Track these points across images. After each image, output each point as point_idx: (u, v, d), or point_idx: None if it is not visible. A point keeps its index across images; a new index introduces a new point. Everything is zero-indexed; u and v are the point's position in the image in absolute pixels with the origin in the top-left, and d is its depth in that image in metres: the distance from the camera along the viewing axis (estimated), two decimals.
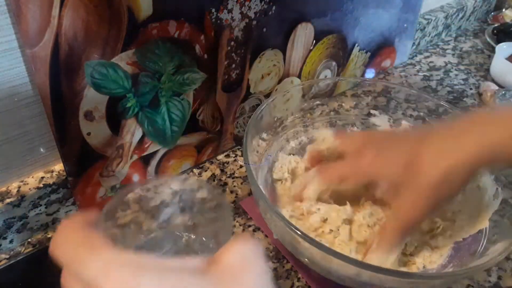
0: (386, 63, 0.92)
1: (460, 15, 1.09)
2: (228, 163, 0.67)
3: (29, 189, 0.52)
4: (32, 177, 0.53)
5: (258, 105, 0.68)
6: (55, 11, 0.41)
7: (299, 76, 0.73)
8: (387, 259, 0.46)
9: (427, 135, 0.46)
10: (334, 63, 0.78)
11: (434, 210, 0.44)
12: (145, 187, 0.43)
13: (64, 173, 0.53)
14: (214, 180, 0.64)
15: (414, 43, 0.98)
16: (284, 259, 0.54)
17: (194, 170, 0.66)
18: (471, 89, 0.90)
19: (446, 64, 0.98)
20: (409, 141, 0.47)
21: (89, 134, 0.50)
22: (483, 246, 0.47)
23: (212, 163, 0.67)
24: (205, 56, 0.56)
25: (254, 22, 0.59)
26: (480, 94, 0.87)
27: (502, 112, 0.45)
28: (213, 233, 0.46)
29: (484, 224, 0.49)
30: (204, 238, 0.46)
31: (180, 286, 0.22)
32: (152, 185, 0.44)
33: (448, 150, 0.42)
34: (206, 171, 0.66)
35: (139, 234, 0.45)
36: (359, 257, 0.48)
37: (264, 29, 0.61)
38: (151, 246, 0.46)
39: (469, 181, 0.44)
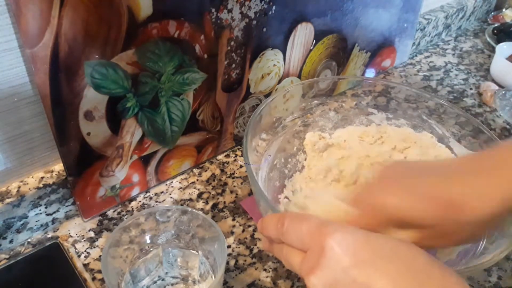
0: (386, 63, 0.92)
1: (460, 15, 1.09)
2: (228, 163, 0.67)
3: (29, 189, 0.52)
4: (32, 177, 0.53)
5: (258, 105, 0.68)
6: (55, 11, 0.41)
7: (299, 76, 0.73)
8: None
9: (459, 171, 0.38)
10: (334, 63, 0.78)
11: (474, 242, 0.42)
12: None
13: (64, 173, 0.53)
14: (214, 180, 0.64)
15: (414, 43, 0.98)
16: None
17: (194, 170, 0.66)
18: (471, 89, 0.90)
19: (446, 64, 0.98)
20: (436, 177, 0.38)
21: (89, 134, 0.50)
22: (483, 245, 0.47)
23: (212, 163, 0.67)
24: (205, 56, 0.56)
25: (254, 22, 0.59)
26: (480, 94, 0.87)
27: None
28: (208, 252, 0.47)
29: None
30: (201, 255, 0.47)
31: None
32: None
33: (489, 190, 0.36)
34: (206, 171, 0.66)
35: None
36: None
37: (264, 29, 0.61)
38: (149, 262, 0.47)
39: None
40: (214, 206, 0.60)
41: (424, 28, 0.98)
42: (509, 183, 0.35)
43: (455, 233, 0.36)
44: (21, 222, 0.53)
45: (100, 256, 0.53)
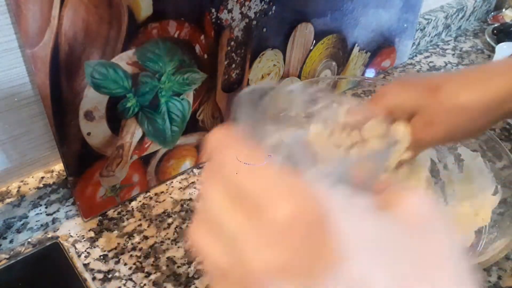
0: (386, 63, 0.92)
1: (460, 15, 1.09)
2: None
3: (29, 189, 0.52)
4: (32, 177, 0.53)
5: None
6: (55, 11, 0.42)
7: (299, 76, 0.73)
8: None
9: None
10: (334, 63, 0.78)
11: (454, 135, 0.43)
12: None
13: (64, 173, 0.53)
14: None
15: (414, 43, 0.98)
16: None
17: (194, 170, 0.66)
18: None
19: (446, 64, 0.98)
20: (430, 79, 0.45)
21: (89, 134, 0.51)
22: (483, 245, 0.47)
23: None
24: (205, 56, 0.57)
25: (254, 22, 0.59)
26: None
27: None
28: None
29: (486, 220, 0.49)
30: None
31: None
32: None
33: (470, 81, 0.41)
34: None
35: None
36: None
37: (264, 29, 0.61)
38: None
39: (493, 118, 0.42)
40: None
41: (424, 28, 0.98)
42: (495, 82, 0.40)
43: (442, 122, 0.41)
44: (21, 222, 0.53)
45: (100, 256, 0.53)
